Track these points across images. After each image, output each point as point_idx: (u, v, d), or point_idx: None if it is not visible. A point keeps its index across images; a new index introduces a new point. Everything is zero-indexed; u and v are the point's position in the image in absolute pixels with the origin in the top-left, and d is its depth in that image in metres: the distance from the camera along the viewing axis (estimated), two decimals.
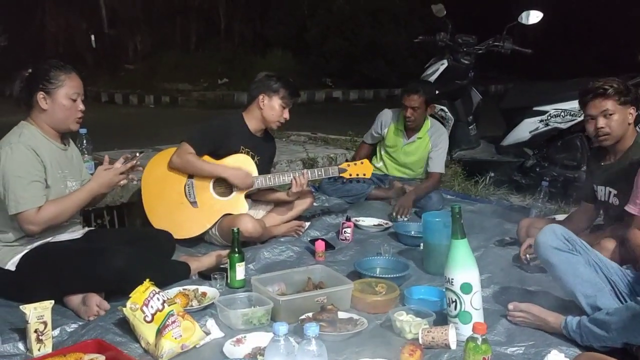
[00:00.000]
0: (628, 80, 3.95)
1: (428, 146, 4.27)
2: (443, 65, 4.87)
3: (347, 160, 3.69)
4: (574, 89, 4.27)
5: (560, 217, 3.68)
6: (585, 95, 2.76)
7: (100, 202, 3.24)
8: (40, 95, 2.48)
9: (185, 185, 3.32)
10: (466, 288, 2.20)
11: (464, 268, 2.23)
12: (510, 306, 2.38)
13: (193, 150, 3.27)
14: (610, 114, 2.69)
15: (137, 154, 2.66)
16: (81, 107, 2.56)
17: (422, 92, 4.13)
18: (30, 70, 2.54)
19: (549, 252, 2.31)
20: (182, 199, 3.30)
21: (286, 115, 3.43)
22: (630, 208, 2.46)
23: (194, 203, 3.30)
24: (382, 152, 4.43)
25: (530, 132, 4.56)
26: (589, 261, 2.30)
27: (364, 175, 3.48)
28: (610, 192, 2.80)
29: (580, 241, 2.35)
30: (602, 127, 2.72)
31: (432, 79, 4.88)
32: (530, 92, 4.83)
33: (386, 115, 4.41)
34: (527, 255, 2.85)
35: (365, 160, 3.53)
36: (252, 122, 3.44)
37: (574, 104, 4.18)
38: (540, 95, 4.58)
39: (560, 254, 2.30)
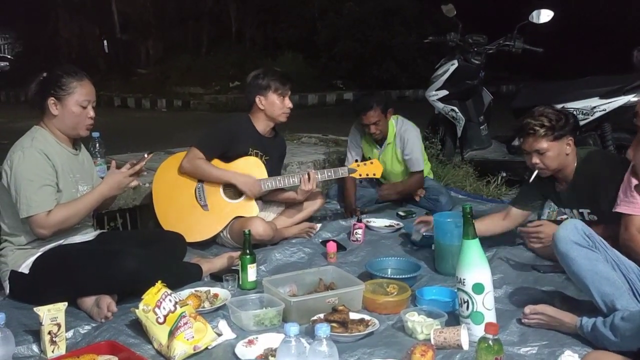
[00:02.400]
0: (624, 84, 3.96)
1: (397, 147, 4.08)
2: (453, 65, 4.85)
3: (356, 161, 3.67)
4: (586, 87, 4.28)
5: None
6: (520, 131, 2.78)
7: (113, 205, 3.27)
8: (51, 100, 2.51)
9: (195, 189, 3.34)
10: (478, 288, 2.19)
11: (475, 268, 2.21)
12: (527, 310, 2.35)
13: (202, 154, 3.29)
14: (543, 153, 2.72)
15: (146, 155, 2.67)
16: (91, 114, 2.58)
17: (375, 105, 3.91)
18: (44, 75, 2.57)
19: (569, 246, 2.27)
20: (193, 202, 3.32)
21: (288, 103, 3.43)
22: (623, 208, 2.46)
23: (204, 206, 3.32)
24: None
25: None
26: (607, 259, 2.27)
27: (374, 174, 3.46)
28: (583, 212, 2.86)
29: (599, 239, 2.32)
30: (536, 163, 2.77)
31: (443, 79, 4.87)
32: (542, 92, 4.79)
33: (355, 132, 4.21)
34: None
35: (375, 160, 3.51)
36: (259, 123, 3.46)
37: (585, 103, 4.17)
38: (551, 94, 4.54)
39: (580, 249, 2.26)
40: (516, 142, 4.70)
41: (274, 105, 3.39)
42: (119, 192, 2.67)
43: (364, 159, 4.12)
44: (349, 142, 4.27)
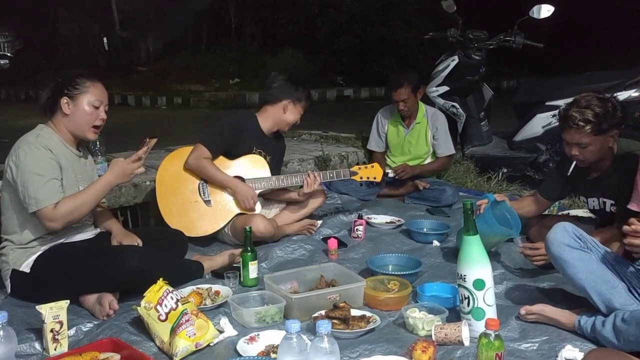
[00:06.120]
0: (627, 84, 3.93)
1: (428, 129, 4.36)
2: (454, 61, 4.84)
3: (357, 164, 3.75)
4: (586, 83, 4.27)
5: (574, 212, 3.66)
6: (563, 121, 2.69)
7: (114, 203, 3.27)
8: (64, 100, 2.53)
9: (199, 184, 3.35)
10: (479, 284, 2.19)
11: (476, 264, 2.22)
12: (522, 311, 2.36)
13: (209, 151, 3.30)
14: (584, 147, 2.65)
15: (147, 139, 2.64)
16: (103, 115, 2.61)
17: (406, 83, 4.17)
18: (59, 80, 2.59)
19: (561, 249, 2.28)
20: (196, 197, 3.33)
21: (298, 121, 3.52)
22: (634, 206, 2.39)
23: (207, 202, 3.33)
24: (389, 154, 4.55)
25: (542, 127, 4.52)
26: (600, 258, 2.27)
27: (374, 178, 3.55)
28: (605, 202, 2.81)
29: (590, 239, 2.32)
30: (575, 155, 2.71)
31: (443, 75, 4.86)
32: (543, 87, 4.78)
33: (382, 115, 4.54)
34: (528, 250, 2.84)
35: (376, 164, 3.60)
36: (267, 122, 3.47)
37: None
38: (552, 89, 4.55)
39: (573, 251, 2.26)
40: (517, 138, 4.72)
41: (293, 114, 3.46)
42: (125, 179, 2.64)
43: (387, 146, 4.51)
44: (373, 128, 4.55)
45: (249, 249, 2.77)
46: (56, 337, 2.14)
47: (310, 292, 2.54)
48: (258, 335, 2.23)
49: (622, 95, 4.07)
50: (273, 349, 2.10)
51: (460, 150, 5.07)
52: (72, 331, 2.29)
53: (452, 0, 4.80)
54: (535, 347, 2.17)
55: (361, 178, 3.53)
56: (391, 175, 4.09)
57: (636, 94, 4.16)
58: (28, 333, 2.26)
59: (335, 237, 3.30)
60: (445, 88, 4.89)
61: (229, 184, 3.33)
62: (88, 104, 2.55)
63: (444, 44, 5.10)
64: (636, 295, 2.22)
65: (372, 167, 3.55)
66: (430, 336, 2.18)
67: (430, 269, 2.99)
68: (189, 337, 2.11)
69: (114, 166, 2.58)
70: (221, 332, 2.26)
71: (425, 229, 3.54)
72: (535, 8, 4.69)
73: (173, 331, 2.12)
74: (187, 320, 2.12)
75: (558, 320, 2.28)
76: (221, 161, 3.38)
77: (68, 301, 2.20)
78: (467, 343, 2.15)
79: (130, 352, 2.08)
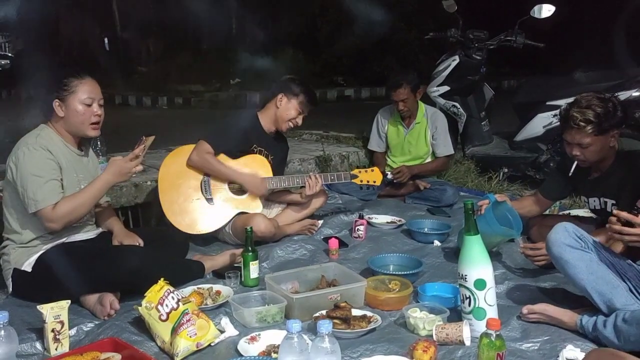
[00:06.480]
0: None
1: (428, 129, 4.38)
2: (454, 61, 4.84)
3: (357, 166, 3.77)
4: (587, 82, 4.26)
5: (575, 212, 3.66)
6: (564, 121, 2.68)
7: (115, 203, 3.26)
8: (56, 102, 2.53)
9: (202, 182, 3.35)
10: (480, 284, 2.19)
11: (477, 264, 2.22)
12: (525, 310, 2.36)
13: (211, 148, 3.31)
14: (586, 147, 2.64)
15: (143, 138, 2.63)
16: (97, 111, 2.58)
17: (405, 83, 4.19)
18: (50, 82, 2.58)
19: (562, 249, 2.28)
20: (198, 194, 3.33)
21: (299, 120, 3.48)
22: None
23: (209, 200, 3.33)
24: (389, 154, 4.57)
25: (543, 127, 4.52)
26: (601, 258, 2.27)
27: (374, 182, 3.58)
28: (606, 202, 2.81)
29: (591, 239, 2.32)
30: (577, 155, 2.70)
31: (444, 75, 4.86)
32: (544, 87, 4.78)
33: (382, 115, 4.55)
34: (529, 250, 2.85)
35: (376, 168, 3.62)
36: (266, 120, 3.48)
37: None
38: (553, 89, 4.54)
39: (573, 251, 2.27)
40: (518, 138, 4.71)
41: (288, 110, 3.43)
42: (123, 178, 2.62)
43: (387, 146, 4.53)
44: (373, 128, 4.57)
45: (250, 248, 2.77)
46: (57, 337, 2.15)
47: (311, 292, 2.54)
48: (259, 335, 2.23)
49: (622, 95, 4.06)
50: (274, 348, 2.10)
51: (461, 150, 5.07)
52: (73, 331, 2.29)
53: (452, 0, 4.80)
54: (536, 347, 2.17)
55: (361, 182, 3.54)
56: (389, 177, 4.11)
57: (637, 94, 4.16)
58: (29, 333, 2.27)
59: (336, 237, 3.30)
60: (446, 88, 4.89)
61: (234, 176, 3.34)
62: (80, 103, 2.53)
63: (445, 44, 5.09)
64: (637, 295, 2.22)
65: (372, 171, 3.57)
66: (432, 336, 2.19)
67: (431, 268, 2.99)
68: (190, 337, 2.11)
69: (112, 165, 2.58)
70: (222, 332, 2.27)
71: (426, 229, 3.55)
72: (536, 8, 4.69)
73: (174, 331, 2.12)
74: (188, 320, 2.12)
75: (560, 319, 2.28)
76: (223, 160, 3.38)
77: (69, 301, 2.20)
78: (468, 343, 2.15)
79: (131, 352, 2.08)
